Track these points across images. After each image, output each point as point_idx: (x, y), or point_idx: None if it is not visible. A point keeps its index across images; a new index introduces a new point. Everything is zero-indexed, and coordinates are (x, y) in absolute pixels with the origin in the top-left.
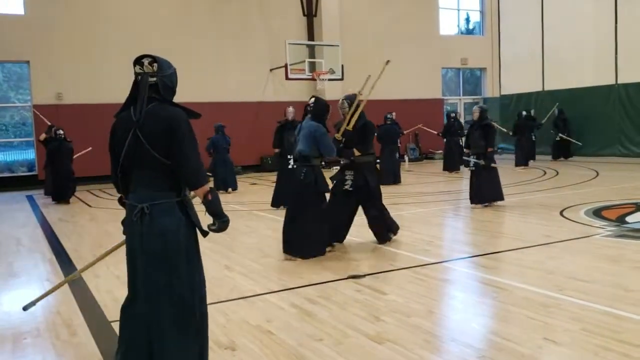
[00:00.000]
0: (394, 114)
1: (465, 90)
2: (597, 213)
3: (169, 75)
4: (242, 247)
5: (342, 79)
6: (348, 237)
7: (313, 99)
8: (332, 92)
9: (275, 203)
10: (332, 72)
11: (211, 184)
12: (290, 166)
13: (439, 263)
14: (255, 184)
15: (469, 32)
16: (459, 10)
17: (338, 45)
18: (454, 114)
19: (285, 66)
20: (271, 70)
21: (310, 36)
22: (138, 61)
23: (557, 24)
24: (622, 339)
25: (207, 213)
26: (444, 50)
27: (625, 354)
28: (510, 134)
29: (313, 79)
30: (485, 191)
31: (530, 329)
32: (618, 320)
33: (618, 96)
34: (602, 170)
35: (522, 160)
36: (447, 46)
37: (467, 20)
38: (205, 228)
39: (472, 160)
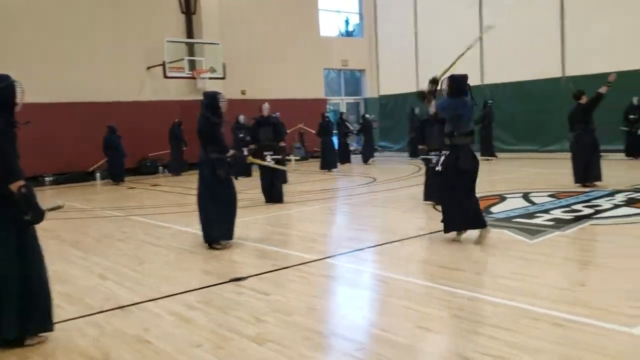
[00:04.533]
0: (278, 114)
1: (346, 91)
2: None
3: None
4: (117, 254)
5: (223, 78)
6: (236, 240)
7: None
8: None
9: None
10: (213, 70)
11: (22, 182)
12: (266, 162)
13: (322, 260)
14: (133, 188)
15: (349, 34)
16: (339, 12)
17: (219, 44)
18: (327, 114)
19: (164, 64)
20: (148, 68)
21: (190, 34)
22: None
23: (429, 29)
24: (489, 323)
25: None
26: (325, 51)
27: (492, 336)
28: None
29: (193, 78)
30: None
31: (407, 318)
32: (485, 305)
33: (483, 96)
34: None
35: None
36: (328, 47)
37: (347, 22)
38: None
39: (434, 157)
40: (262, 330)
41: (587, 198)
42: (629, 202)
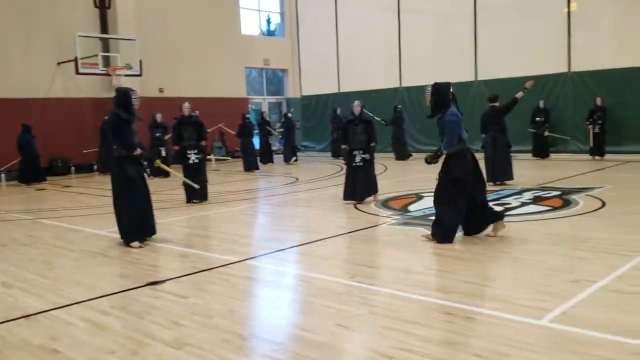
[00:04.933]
0: (197, 112)
1: (268, 91)
2: (385, 204)
3: None
4: (23, 259)
5: (140, 75)
6: (154, 243)
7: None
8: None
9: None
10: (129, 67)
11: None
12: (190, 161)
13: (243, 261)
14: (43, 189)
15: (270, 33)
16: (259, 11)
17: (135, 40)
18: (248, 115)
19: (76, 60)
20: (59, 64)
21: (104, 29)
22: None
23: (350, 30)
24: (404, 318)
25: None
26: (247, 50)
27: (406, 331)
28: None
29: (108, 75)
30: (365, 186)
31: (326, 317)
32: (400, 301)
33: (401, 98)
34: (391, 166)
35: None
36: (250, 46)
37: (268, 21)
38: None
39: (360, 155)
40: (180, 335)
41: (497, 196)
42: (536, 200)
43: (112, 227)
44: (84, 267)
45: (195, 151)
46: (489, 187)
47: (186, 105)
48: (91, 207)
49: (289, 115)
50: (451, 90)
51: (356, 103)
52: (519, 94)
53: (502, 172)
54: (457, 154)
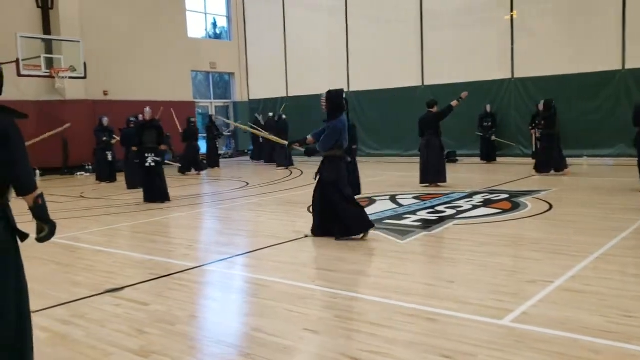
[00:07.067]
0: (140, 116)
1: (215, 94)
2: None
3: None
4: None
5: (84, 77)
6: (96, 247)
7: None
8: (74, 91)
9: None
10: (73, 69)
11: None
12: (147, 163)
13: (200, 267)
14: None
15: (217, 36)
16: (206, 14)
17: (79, 41)
18: (194, 119)
19: (17, 61)
20: None
21: (47, 30)
22: None
23: (297, 34)
24: (368, 320)
25: (34, 218)
26: (193, 53)
27: (372, 333)
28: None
29: (51, 77)
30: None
31: (291, 321)
32: (362, 304)
33: (351, 103)
34: None
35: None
36: (196, 49)
37: (215, 24)
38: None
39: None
40: (146, 342)
41: (448, 200)
42: (486, 203)
43: (62, 233)
44: (35, 275)
45: (154, 154)
46: (423, 188)
47: (147, 109)
48: None
49: (283, 116)
50: (344, 97)
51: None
52: (454, 103)
53: (434, 174)
54: (333, 159)
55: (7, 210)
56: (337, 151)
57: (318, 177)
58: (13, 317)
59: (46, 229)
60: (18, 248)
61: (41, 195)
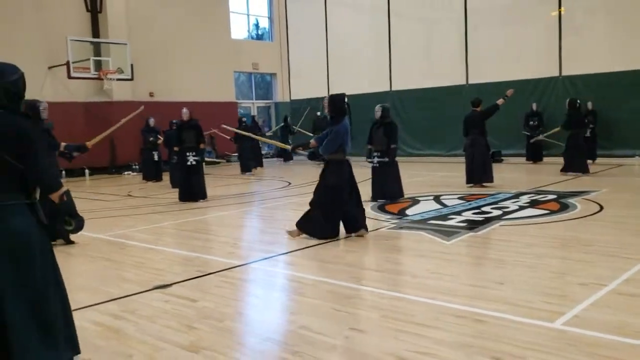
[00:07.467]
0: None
1: (257, 95)
2: (382, 208)
3: (13, 81)
4: None
5: (131, 79)
6: (144, 245)
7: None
8: (121, 92)
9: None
10: (120, 71)
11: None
12: (189, 162)
13: (245, 265)
14: None
15: (259, 37)
16: (248, 15)
17: (126, 44)
18: (244, 118)
19: (67, 64)
20: (50, 68)
21: (95, 33)
22: None
23: (339, 34)
24: (415, 321)
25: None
26: (236, 54)
27: (419, 334)
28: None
29: (100, 79)
30: (388, 188)
31: (337, 320)
32: (409, 305)
33: (392, 102)
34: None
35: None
36: (239, 50)
37: (257, 25)
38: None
39: (376, 158)
40: (195, 338)
41: (494, 200)
42: (533, 204)
43: (111, 230)
44: (87, 271)
45: (194, 153)
46: (467, 188)
47: (185, 110)
48: (86, 211)
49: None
50: (346, 100)
51: (377, 107)
52: (500, 101)
53: (479, 174)
54: (336, 162)
55: (35, 207)
56: (340, 155)
57: (319, 179)
58: (58, 305)
59: (73, 223)
60: (48, 241)
61: (67, 192)
